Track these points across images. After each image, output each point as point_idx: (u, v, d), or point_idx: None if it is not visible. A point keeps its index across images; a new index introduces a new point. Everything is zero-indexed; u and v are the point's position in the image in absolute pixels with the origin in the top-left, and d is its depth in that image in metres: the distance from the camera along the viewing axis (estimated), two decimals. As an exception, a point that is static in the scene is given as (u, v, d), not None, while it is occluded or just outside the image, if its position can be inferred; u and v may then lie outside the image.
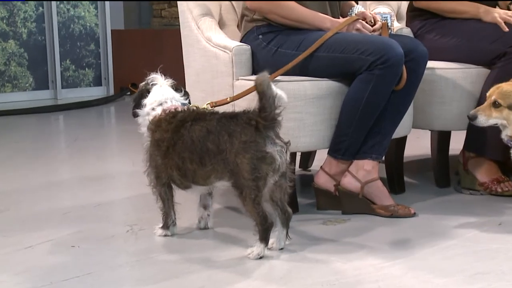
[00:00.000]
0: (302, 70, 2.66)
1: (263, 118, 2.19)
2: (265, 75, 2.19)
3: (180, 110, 2.40)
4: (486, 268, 2.12)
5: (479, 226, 2.54)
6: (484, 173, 2.95)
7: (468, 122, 2.95)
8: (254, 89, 2.25)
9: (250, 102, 2.40)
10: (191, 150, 2.29)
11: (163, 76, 2.48)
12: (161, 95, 2.43)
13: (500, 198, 2.88)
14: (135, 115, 2.48)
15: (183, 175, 2.35)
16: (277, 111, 2.20)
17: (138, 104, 2.46)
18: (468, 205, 2.82)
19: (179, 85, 2.50)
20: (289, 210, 2.31)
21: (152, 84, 2.46)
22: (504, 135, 2.65)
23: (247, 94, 2.55)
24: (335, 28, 2.67)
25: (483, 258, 2.22)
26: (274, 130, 2.23)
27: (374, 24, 2.73)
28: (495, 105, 2.59)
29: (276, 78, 2.62)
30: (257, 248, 2.24)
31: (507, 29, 2.86)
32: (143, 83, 2.49)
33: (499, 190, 2.91)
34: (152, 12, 7.60)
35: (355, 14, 2.77)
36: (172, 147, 2.33)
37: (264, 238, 2.23)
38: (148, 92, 2.45)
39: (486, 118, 2.59)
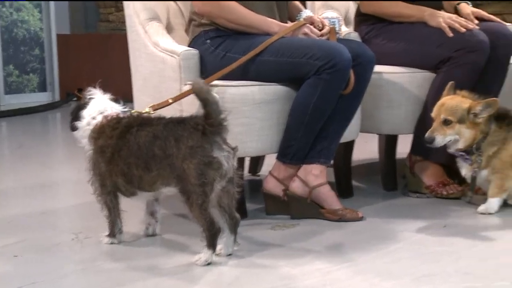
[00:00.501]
0: (249, 74, 2.67)
1: (209, 124, 2.19)
2: (199, 81, 2.20)
3: (123, 116, 2.39)
4: (431, 270, 2.16)
5: (425, 229, 2.58)
6: (430, 176, 3.01)
7: (415, 126, 3.02)
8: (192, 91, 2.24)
9: (200, 107, 2.39)
10: (137, 156, 2.28)
11: (101, 90, 2.47)
12: (100, 105, 2.42)
13: (446, 201, 2.94)
14: (74, 128, 2.45)
15: (128, 182, 2.33)
16: (223, 116, 2.20)
17: (76, 117, 2.43)
18: (414, 208, 2.87)
19: (118, 97, 2.49)
20: (237, 215, 2.32)
21: (90, 97, 2.44)
22: (453, 149, 2.72)
23: (188, 95, 2.55)
24: (281, 32, 2.69)
25: (429, 260, 2.26)
26: (221, 135, 2.23)
27: (322, 29, 2.76)
28: (446, 122, 2.66)
29: (224, 83, 2.63)
30: (204, 254, 2.24)
31: (451, 34, 2.93)
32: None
33: (445, 193, 2.97)
34: (99, 16, 7.54)
35: (303, 18, 2.79)
36: (117, 153, 2.32)
37: (212, 244, 2.23)
38: (86, 104, 2.44)
39: (442, 138, 2.69)
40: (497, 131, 2.72)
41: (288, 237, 2.52)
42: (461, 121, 2.66)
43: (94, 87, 2.47)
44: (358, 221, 2.68)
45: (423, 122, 2.97)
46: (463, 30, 2.91)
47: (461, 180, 2.99)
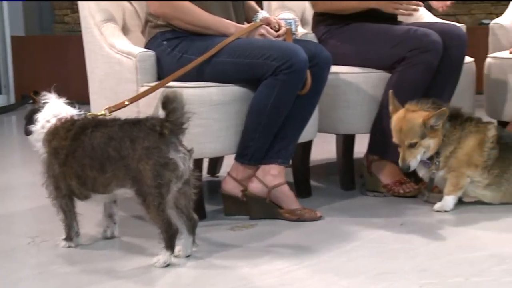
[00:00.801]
0: (204, 75, 2.67)
1: (172, 122, 2.19)
2: (175, 90, 2.21)
3: (77, 118, 2.37)
4: (388, 268, 2.18)
5: (383, 227, 2.61)
6: (387, 175, 3.04)
7: (371, 126, 3.05)
8: (152, 90, 2.22)
9: (157, 108, 2.38)
10: (91, 157, 2.27)
11: (56, 93, 2.45)
12: (55, 109, 2.40)
13: (403, 199, 2.97)
14: (28, 132, 2.42)
15: (82, 184, 2.32)
16: (185, 118, 2.20)
17: (30, 121, 2.41)
18: (372, 207, 2.90)
19: (73, 101, 2.47)
20: (195, 216, 2.32)
21: (44, 101, 2.42)
22: (424, 158, 2.77)
23: (144, 96, 2.54)
24: (237, 33, 2.69)
25: (386, 258, 2.28)
26: (177, 137, 2.23)
27: (279, 30, 2.77)
28: (412, 145, 2.71)
29: (180, 85, 2.62)
30: (163, 256, 2.23)
31: (406, 13, 2.96)
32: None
33: (401, 191, 3.00)
34: (54, 17, 7.45)
35: (260, 19, 2.80)
36: (72, 155, 2.30)
37: (170, 246, 2.23)
38: (41, 108, 2.42)
39: (415, 160, 2.74)
40: (452, 132, 2.77)
41: (247, 238, 2.53)
42: (423, 136, 2.71)
43: (49, 91, 2.45)
44: (316, 220, 2.70)
45: (380, 122, 3.00)
46: (410, 10, 2.94)
47: (417, 179, 3.03)
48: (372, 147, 3.08)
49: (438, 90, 2.98)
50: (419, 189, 2.98)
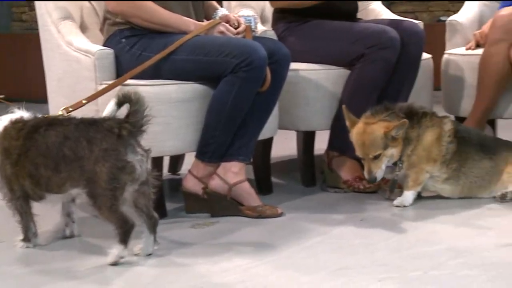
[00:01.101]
0: (162, 73, 2.66)
1: (132, 123, 2.17)
2: (137, 92, 2.19)
3: (29, 118, 2.33)
4: (348, 263, 2.20)
5: (343, 222, 2.63)
6: (347, 171, 3.06)
7: (331, 122, 3.07)
8: (109, 88, 2.19)
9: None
10: (45, 156, 2.23)
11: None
12: (7, 112, 2.36)
13: (363, 195, 2.99)
14: None
15: (36, 184, 2.28)
16: (146, 119, 2.19)
17: None
18: (332, 203, 2.91)
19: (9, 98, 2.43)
20: (155, 215, 2.31)
21: None
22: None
23: (102, 94, 2.52)
24: (196, 30, 2.68)
25: (346, 253, 2.30)
26: (136, 138, 2.21)
27: (238, 27, 2.77)
28: (376, 158, 2.72)
29: (139, 82, 2.61)
30: (116, 249, 2.20)
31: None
32: None
33: (361, 187, 3.02)
34: (11, 15, 7.35)
35: (219, 17, 2.80)
36: (24, 154, 2.26)
37: (124, 240, 2.20)
38: None
39: (380, 171, 2.74)
40: (410, 131, 2.79)
41: (208, 235, 2.52)
42: (385, 147, 2.73)
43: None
44: (277, 217, 2.71)
45: (339, 118, 3.01)
46: None
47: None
48: (332, 144, 3.10)
49: (396, 86, 3.01)
50: (379, 185, 3.00)
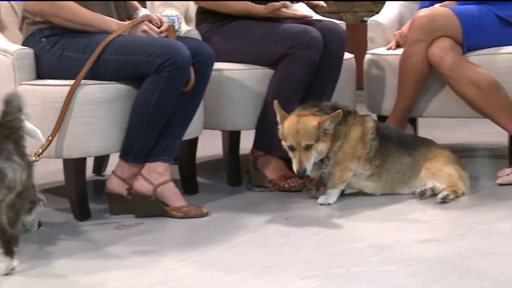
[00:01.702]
0: (92, 74, 2.62)
1: (3, 124, 2.02)
2: (13, 93, 2.08)
3: None
4: (273, 262, 2.21)
5: (269, 222, 2.64)
6: (272, 170, 3.07)
7: (256, 122, 3.08)
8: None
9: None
10: None
11: None
12: None
13: (288, 194, 3.01)
14: None
15: None
16: (18, 120, 2.04)
17: None
18: (258, 202, 2.92)
19: None
20: (14, 231, 2.10)
21: None
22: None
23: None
24: (119, 30, 2.66)
25: (271, 252, 2.31)
26: (16, 144, 2.06)
27: (161, 26, 2.75)
28: (308, 148, 2.73)
29: (62, 83, 2.58)
30: (2, 263, 2.10)
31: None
32: None
33: (287, 186, 3.04)
34: None
35: (141, 16, 2.77)
36: None
37: (9, 251, 2.09)
38: None
39: (310, 163, 2.74)
40: (338, 127, 2.82)
41: (133, 236, 2.50)
42: (317, 139, 2.74)
43: None
44: (203, 217, 2.70)
45: (264, 118, 3.04)
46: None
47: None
48: (258, 143, 3.11)
49: (320, 85, 3.04)
50: (303, 183, 3.03)
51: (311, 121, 2.75)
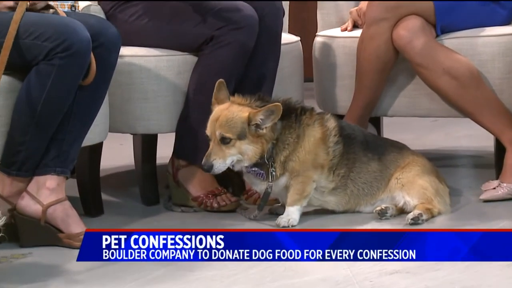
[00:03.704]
0: None
1: None
2: None
3: None
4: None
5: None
6: (197, 185, 3.05)
7: (177, 123, 3.06)
8: None
9: None
10: None
11: None
12: None
13: (217, 215, 3.00)
14: None
15: None
16: None
17: None
18: (179, 225, 2.88)
19: None
20: None
21: None
22: (239, 168, 2.80)
23: None
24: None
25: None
26: None
27: None
28: (224, 141, 2.72)
29: None
30: None
31: None
32: None
33: (216, 205, 3.03)
34: None
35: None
36: None
37: None
38: None
39: (222, 162, 2.73)
40: (286, 131, 2.81)
41: (17, 272, 2.48)
42: (241, 137, 2.73)
43: None
44: (107, 245, 2.67)
45: (186, 118, 3.03)
46: None
47: (236, 188, 3.09)
48: (179, 150, 3.09)
49: (258, 72, 3.05)
50: (237, 202, 3.03)
51: (242, 111, 2.75)
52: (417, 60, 3.10)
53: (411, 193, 2.87)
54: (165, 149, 3.25)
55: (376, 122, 3.47)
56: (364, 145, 2.93)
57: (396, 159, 2.94)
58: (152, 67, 3.06)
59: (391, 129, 3.70)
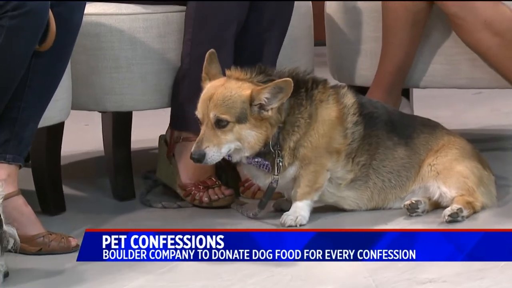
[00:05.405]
0: None
1: None
2: None
3: None
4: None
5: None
6: (191, 169, 3.06)
7: (173, 85, 3.09)
8: None
9: None
10: None
11: None
12: None
13: (207, 212, 3.03)
14: None
15: None
16: None
17: None
18: (159, 225, 2.91)
19: None
20: None
21: None
22: (238, 159, 2.81)
23: None
24: None
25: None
26: None
27: None
28: (220, 124, 2.72)
29: None
30: None
31: None
32: None
33: (206, 199, 3.05)
34: None
35: None
36: None
37: None
38: None
39: (217, 150, 2.73)
40: (295, 110, 2.81)
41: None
42: (241, 119, 2.72)
43: None
44: (71, 252, 2.70)
45: (184, 76, 3.07)
46: None
47: (230, 179, 3.13)
48: (180, 119, 3.12)
49: (259, 39, 3.08)
50: (232, 197, 3.05)
51: (242, 89, 2.75)
52: (452, 10, 3.09)
53: (448, 182, 2.88)
54: (141, 131, 3.27)
55: (405, 96, 3.46)
56: (389, 126, 2.93)
57: (427, 141, 2.96)
58: (125, 28, 3.07)
59: (424, 104, 3.71)
